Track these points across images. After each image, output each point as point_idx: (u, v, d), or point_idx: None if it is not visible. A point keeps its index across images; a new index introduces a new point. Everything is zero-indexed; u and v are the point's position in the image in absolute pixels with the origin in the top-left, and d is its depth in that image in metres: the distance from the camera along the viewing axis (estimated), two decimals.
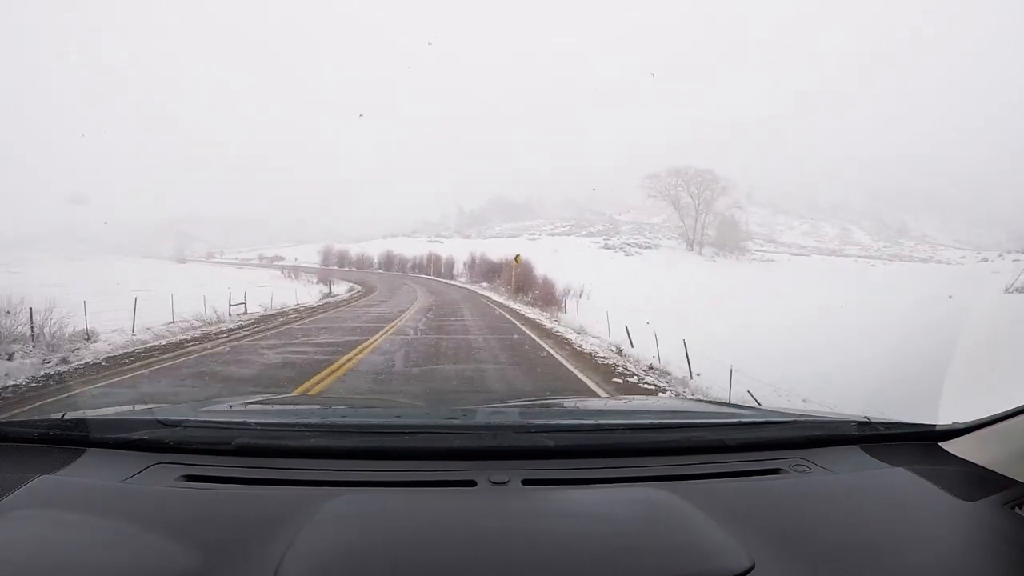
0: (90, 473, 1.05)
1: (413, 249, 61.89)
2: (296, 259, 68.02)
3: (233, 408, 1.61)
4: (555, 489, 1.04)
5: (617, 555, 0.81)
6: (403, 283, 39.53)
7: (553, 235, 77.66)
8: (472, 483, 1.02)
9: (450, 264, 53.00)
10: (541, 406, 1.90)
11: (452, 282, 45.13)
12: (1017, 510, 0.96)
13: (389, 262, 60.08)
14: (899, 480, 1.10)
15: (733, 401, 4.90)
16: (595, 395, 5.96)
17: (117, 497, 0.96)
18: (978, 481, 1.07)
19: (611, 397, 5.62)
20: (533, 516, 0.93)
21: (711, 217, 72.11)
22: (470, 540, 0.85)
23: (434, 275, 51.52)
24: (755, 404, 4.57)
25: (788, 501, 1.02)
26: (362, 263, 63.73)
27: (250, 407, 1.64)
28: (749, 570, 0.77)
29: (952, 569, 0.85)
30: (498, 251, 44.36)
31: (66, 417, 1.21)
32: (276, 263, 61.70)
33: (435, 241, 77.48)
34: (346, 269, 59.57)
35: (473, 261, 46.19)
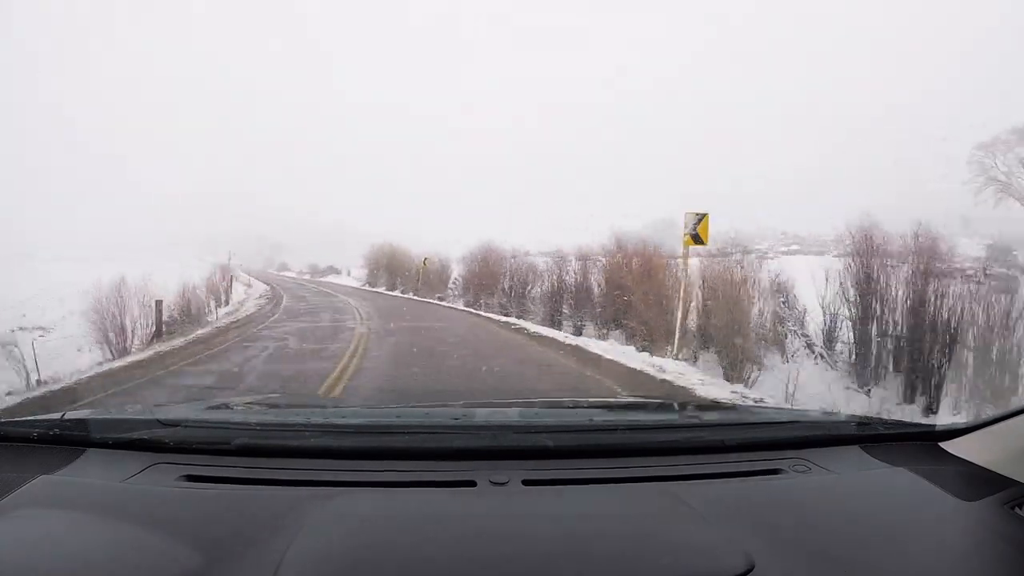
0: (90, 473, 1.04)
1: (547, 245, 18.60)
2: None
3: (233, 408, 1.57)
4: (555, 489, 1.04)
5: (617, 555, 0.82)
6: None
7: (784, 253, 42.42)
8: (472, 483, 1.01)
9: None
10: (541, 406, 1.86)
11: None
12: (1017, 510, 0.96)
13: (485, 272, 15.65)
14: (899, 480, 1.10)
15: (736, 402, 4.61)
16: (595, 395, 5.70)
17: (117, 497, 0.96)
18: (978, 481, 1.06)
19: (611, 397, 5.26)
20: (533, 516, 0.94)
21: None
22: (470, 540, 0.86)
23: (639, 322, 8.43)
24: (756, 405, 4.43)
25: (788, 501, 1.02)
26: (427, 277, 21.29)
27: (250, 407, 1.61)
28: (749, 570, 0.77)
29: (952, 569, 0.86)
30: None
31: (66, 417, 1.20)
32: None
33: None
34: (385, 291, 22.91)
35: None
